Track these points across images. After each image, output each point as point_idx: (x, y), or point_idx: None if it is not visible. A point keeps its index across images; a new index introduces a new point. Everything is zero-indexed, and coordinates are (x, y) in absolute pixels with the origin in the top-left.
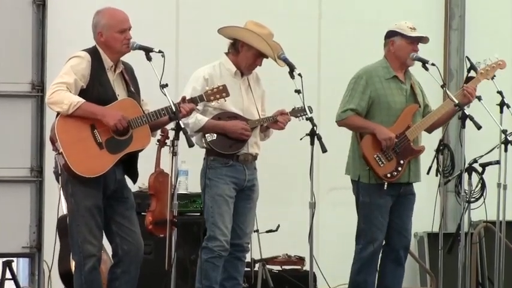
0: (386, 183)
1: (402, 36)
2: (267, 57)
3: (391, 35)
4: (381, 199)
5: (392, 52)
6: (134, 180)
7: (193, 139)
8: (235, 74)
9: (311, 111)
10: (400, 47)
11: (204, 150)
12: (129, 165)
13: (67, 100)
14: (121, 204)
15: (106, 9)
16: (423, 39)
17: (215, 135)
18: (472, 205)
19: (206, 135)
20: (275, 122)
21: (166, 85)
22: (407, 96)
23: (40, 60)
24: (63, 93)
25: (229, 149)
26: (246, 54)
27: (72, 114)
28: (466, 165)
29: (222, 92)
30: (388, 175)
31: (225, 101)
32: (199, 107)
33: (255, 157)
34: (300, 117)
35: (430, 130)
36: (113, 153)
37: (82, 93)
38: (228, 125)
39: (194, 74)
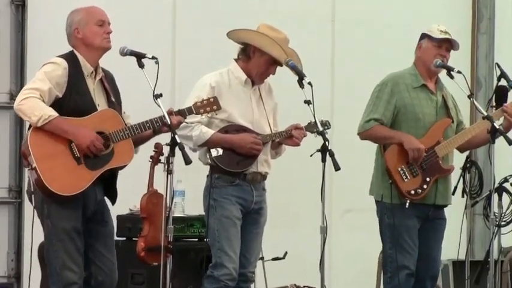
0: (408, 201)
1: (429, 39)
2: (281, 65)
3: (420, 38)
4: (409, 220)
5: (419, 56)
6: (113, 201)
7: (197, 154)
8: (245, 83)
9: (328, 126)
10: (426, 50)
11: (205, 166)
12: (108, 184)
13: (38, 111)
14: (100, 228)
15: (80, 7)
16: (453, 44)
17: (221, 150)
18: (503, 229)
19: (211, 150)
20: (289, 137)
21: (161, 95)
22: (437, 108)
23: (19, 67)
24: (35, 101)
25: (236, 166)
26: (257, 60)
27: (42, 128)
28: (496, 185)
29: (213, 104)
30: (412, 192)
31: (216, 114)
32: (204, 118)
33: (264, 176)
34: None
35: (463, 149)
36: (92, 170)
37: (57, 103)
38: (236, 138)
39: (199, 81)
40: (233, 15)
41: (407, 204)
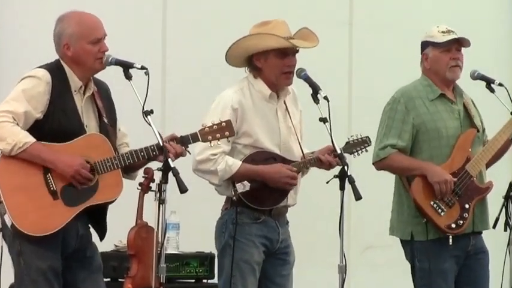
0: (451, 236)
1: (433, 46)
2: (290, 51)
3: (422, 47)
4: (445, 263)
5: (428, 68)
6: (101, 236)
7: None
8: (270, 97)
9: (369, 143)
10: (435, 59)
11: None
12: (96, 216)
13: (11, 138)
14: (84, 266)
15: (72, 14)
16: (462, 42)
17: (248, 184)
18: None
19: (237, 184)
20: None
21: (151, 111)
22: (461, 119)
23: None
24: (8, 126)
25: (265, 202)
26: (267, 64)
27: (17, 157)
28: None
29: (225, 130)
30: (453, 225)
31: (229, 141)
32: (225, 146)
33: (288, 208)
34: (356, 154)
35: (488, 164)
36: (70, 206)
37: (37, 123)
38: (270, 171)
39: (218, 102)
40: (234, 21)
41: (450, 240)
